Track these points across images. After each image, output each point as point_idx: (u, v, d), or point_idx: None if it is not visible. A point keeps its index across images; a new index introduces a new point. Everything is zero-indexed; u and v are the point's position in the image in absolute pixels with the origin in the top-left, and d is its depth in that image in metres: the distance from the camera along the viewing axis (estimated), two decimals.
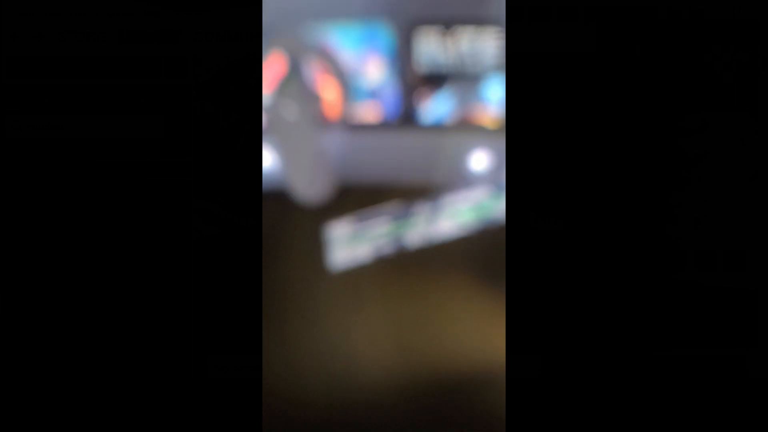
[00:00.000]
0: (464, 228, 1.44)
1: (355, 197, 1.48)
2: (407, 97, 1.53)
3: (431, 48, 1.43)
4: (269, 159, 1.50)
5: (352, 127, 1.47)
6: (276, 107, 1.36)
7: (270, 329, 1.24)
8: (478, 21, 1.38)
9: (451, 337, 1.35)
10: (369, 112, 1.52)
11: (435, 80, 1.49)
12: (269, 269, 1.29)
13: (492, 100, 1.50)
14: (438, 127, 1.55)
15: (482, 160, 1.54)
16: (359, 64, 1.47)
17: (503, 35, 1.37)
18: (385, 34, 1.44)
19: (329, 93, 1.44)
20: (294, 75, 1.35)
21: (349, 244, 1.35)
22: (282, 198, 1.43)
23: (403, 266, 1.39)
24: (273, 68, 1.39)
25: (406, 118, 1.55)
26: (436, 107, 1.53)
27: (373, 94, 1.53)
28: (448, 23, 1.40)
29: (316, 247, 1.35)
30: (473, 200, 1.41)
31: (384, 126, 1.55)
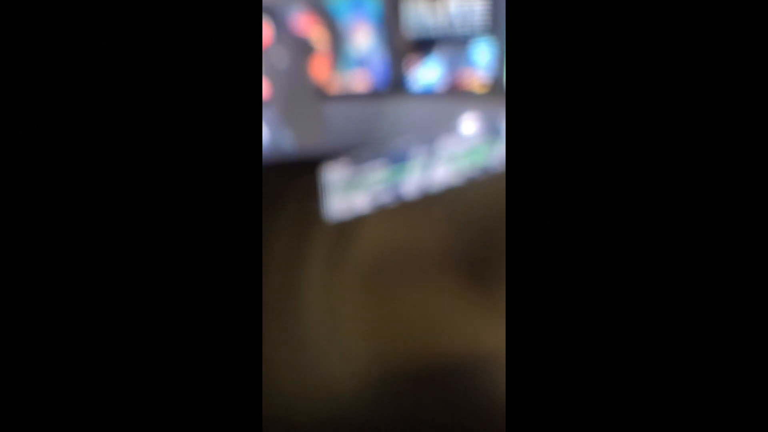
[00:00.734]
0: (461, 175, 1.41)
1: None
2: (396, 64, 1.51)
3: (419, 13, 1.41)
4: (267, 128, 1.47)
5: (343, 96, 1.46)
6: (268, 56, 1.34)
7: (270, 329, 1.24)
8: None
9: (449, 321, 1.35)
10: (358, 80, 1.49)
11: (424, 46, 1.47)
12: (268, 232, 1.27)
13: (481, 64, 1.47)
14: (428, 94, 1.51)
15: (472, 126, 1.49)
16: (347, 32, 1.44)
17: None
18: (372, 1, 1.42)
19: (320, 44, 1.41)
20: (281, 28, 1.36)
21: (345, 191, 1.32)
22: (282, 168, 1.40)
23: (402, 220, 1.36)
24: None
25: (395, 85, 1.52)
26: (425, 73, 1.49)
27: (361, 62, 1.50)
28: None
29: (312, 197, 1.33)
30: (469, 145, 1.38)
31: (374, 94, 1.52)
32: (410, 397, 1.24)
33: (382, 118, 1.53)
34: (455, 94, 1.52)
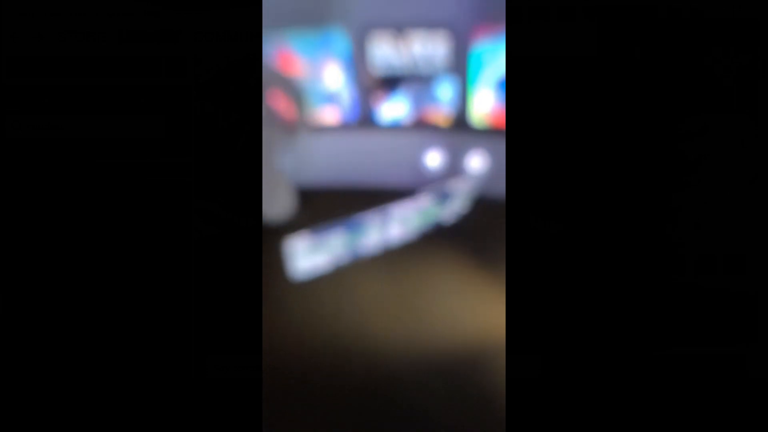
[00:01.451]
0: (412, 232, 1.53)
1: (316, 201, 1.56)
2: (364, 99, 1.59)
3: (385, 51, 1.48)
4: None
5: (313, 130, 1.54)
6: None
7: (270, 329, 1.25)
8: (429, 24, 1.43)
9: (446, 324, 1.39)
10: (328, 115, 1.57)
11: (390, 83, 1.55)
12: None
13: (444, 100, 1.56)
14: (396, 128, 1.60)
15: (436, 158, 1.62)
16: (316, 70, 1.52)
17: (453, 38, 1.44)
18: (340, 40, 1.48)
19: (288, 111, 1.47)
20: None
21: (308, 255, 1.42)
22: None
23: (360, 273, 1.47)
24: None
25: (364, 119, 1.61)
26: (392, 108, 1.59)
27: (331, 99, 1.58)
28: (400, 27, 1.44)
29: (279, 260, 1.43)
30: (419, 207, 1.49)
31: (343, 128, 1.61)
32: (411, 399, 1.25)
33: (353, 149, 1.63)
34: (421, 127, 1.61)
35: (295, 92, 1.44)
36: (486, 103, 1.55)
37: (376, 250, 1.49)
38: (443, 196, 1.51)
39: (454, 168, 1.63)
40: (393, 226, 1.48)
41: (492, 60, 1.47)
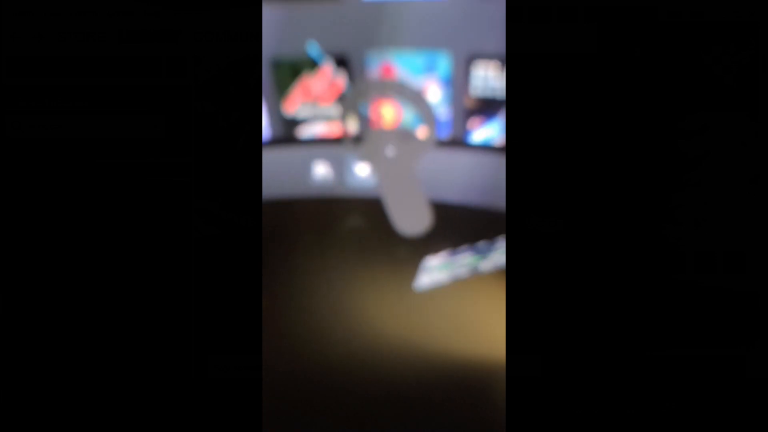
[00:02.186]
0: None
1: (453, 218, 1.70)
2: (459, 120, 1.67)
3: (487, 76, 1.57)
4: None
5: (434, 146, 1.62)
6: (374, 145, 1.54)
7: (270, 329, 1.25)
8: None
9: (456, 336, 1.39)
10: (421, 132, 1.62)
11: (488, 106, 1.63)
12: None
13: None
14: (486, 147, 1.69)
15: None
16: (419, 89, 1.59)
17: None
18: (444, 63, 1.57)
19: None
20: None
21: (436, 271, 1.51)
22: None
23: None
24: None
25: (455, 138, 1.71)
26: (485, 131, 1.68)
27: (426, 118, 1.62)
28: (502, 58, 1.52)
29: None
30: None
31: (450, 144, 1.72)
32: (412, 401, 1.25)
33: (442, 165, 1.71)
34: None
35: (423, 105, 1.52)
36: None
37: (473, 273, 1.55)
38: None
39: None
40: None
41: None
